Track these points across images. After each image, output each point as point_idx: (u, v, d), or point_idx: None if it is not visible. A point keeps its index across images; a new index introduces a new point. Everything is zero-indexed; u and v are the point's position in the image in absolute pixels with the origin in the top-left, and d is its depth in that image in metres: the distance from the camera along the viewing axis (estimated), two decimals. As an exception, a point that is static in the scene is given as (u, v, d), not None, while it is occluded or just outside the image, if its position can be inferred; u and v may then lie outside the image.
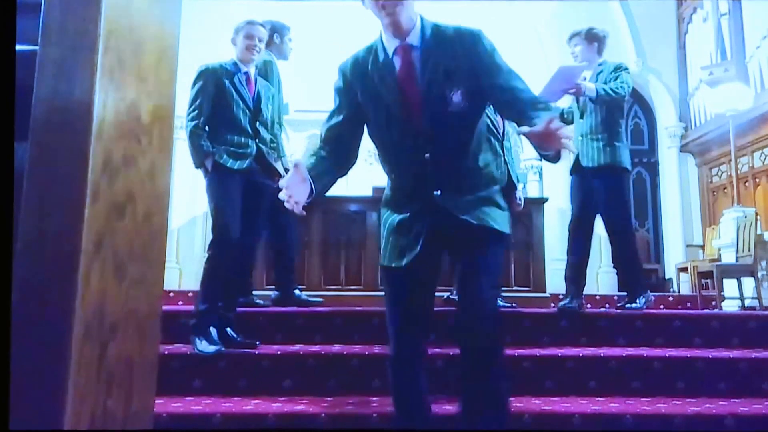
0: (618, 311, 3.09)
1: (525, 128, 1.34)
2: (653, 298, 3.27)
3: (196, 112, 2.53)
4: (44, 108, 1.20)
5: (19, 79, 1.26)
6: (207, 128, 2.55)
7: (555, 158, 1.58)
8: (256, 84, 2.66)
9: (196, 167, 2.55)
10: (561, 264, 3.23)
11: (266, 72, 2.98)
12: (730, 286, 4.48)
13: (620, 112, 3.15)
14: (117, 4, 1.30)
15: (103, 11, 1.24)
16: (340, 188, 3.04)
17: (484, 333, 1.44)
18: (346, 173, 1.60)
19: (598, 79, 3.07)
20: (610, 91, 2.94)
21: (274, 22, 3.18)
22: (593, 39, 3.13)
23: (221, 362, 2.31)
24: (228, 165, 2.50)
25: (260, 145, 2.61)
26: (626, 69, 3.10)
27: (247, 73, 2.64)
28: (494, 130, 3.00)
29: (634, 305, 3.06)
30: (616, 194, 3.05)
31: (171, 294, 3.81)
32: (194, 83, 2.56)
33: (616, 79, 3.02)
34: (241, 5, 3.23)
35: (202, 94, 2.54)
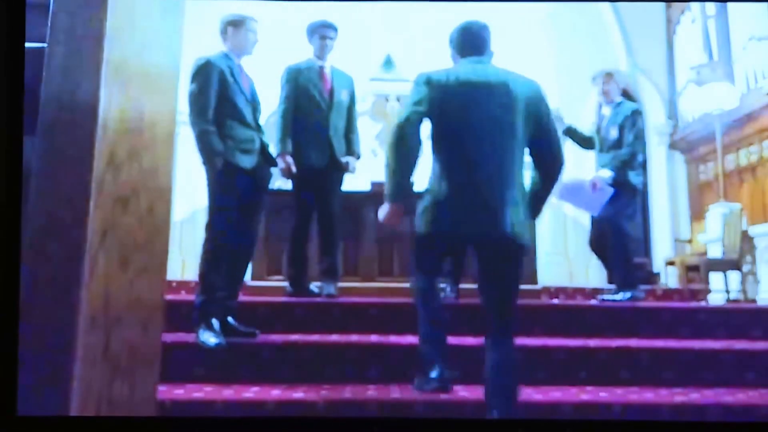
0: (607, 305, 3.17)
1: None
2: (643, 295, 3.37)
3: (203, 109, 2.38)
4: (51, 104, 1.23)
5: (27, 77, 1.29)
6: (217, 123, 2.42)
7: None
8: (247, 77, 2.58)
9: (204, 164, 2.43)
10: (554, 258, 3.29)
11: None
12: (716, 279, 4.57)
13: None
14: (122, 4, 1.34)
15: (109, 11, 1.28)
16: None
17: None
18: None
19: (617, 114, 3.38)
20: (621, 164, 3.25)
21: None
22: (620, 80, 3.56)
23: (222, 351, 2.35)
24: (241, 164, 2.41)
25: (263, 139, 2.56)
26: (641, 113, 3.46)
27: (240, 65, 2.56)
28: None
29: (615, 297, 3.19)
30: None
31: (174, 284, 3.83)
32: (195, 78, 2.39)
33: (633, 125, 3.30)
34: (246, 4, 3.22)
35: (209, 89, 2.39)
